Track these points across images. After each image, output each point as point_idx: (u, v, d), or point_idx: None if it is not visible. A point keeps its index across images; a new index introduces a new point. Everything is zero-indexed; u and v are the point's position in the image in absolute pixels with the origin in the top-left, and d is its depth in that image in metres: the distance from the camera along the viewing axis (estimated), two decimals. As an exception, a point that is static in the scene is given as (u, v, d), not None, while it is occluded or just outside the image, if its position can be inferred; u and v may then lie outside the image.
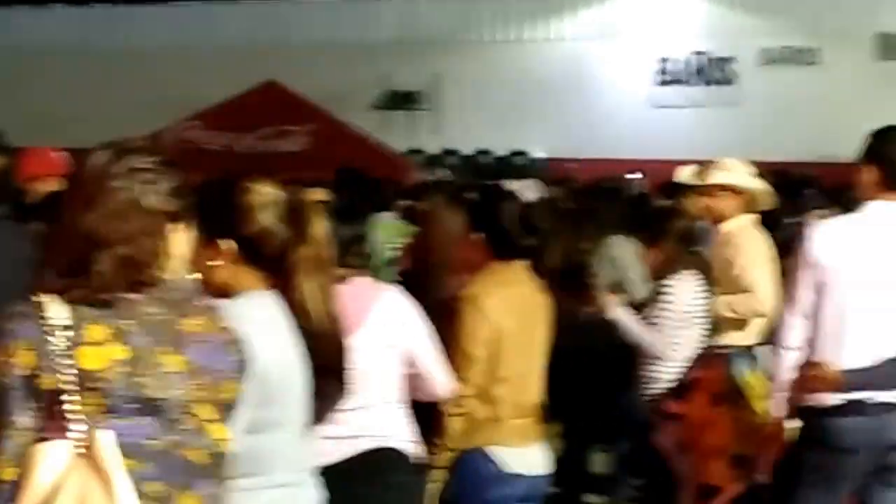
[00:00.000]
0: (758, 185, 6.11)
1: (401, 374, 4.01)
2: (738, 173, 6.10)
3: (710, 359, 5.55)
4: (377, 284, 4.09)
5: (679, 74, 20.21)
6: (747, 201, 6.06)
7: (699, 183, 6.13)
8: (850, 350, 4.26)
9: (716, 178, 6.04)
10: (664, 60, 20.27)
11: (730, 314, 5.74)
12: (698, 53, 20.12)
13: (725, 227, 6.00)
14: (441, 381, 4.13)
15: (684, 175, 6.32)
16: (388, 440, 3.88)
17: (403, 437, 4.00)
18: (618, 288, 6.56)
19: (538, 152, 19.97)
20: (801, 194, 9.86)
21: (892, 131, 4.46)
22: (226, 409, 2.39)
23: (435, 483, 4.25)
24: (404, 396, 4.06)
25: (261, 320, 2.60)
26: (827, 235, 4.40)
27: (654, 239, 5.89)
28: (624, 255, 6.84)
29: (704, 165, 6.21)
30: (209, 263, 2.66)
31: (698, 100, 19.97)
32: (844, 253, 4.32)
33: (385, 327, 3.87)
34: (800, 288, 4.39)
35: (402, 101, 20.75)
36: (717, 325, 5.74)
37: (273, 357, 2.58)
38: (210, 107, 14.66)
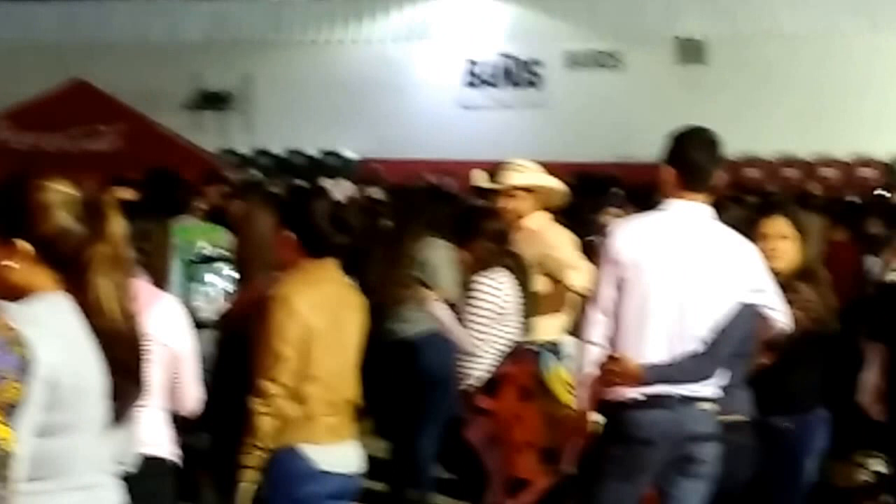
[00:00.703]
0: (551, 182, 6.24)
1: (162, 380, 4.09)
2: (531, 173, 6.23)
3: (520, 354, 5.64)
4: (155, 290, 4.16)
5: (487, 77, 20.48)
6: (542, 199, 6.19)
7: (495, 185, 6.23)
8: (651, 345, 4.40)
9: (511, 179, 6.15)
10: (472, 63, 20.51)
11: (545, 283, 5.85)
12: (506, 56, 20.42)
13: (526, 225, 6.10)
14: (192, 395, 4.29)
15: (480, 178, 6.40)
16: (142, 446, 3.87)
17: (156, 442, 4.06)
18: (426, 288, 6.62)
19: (350, 153, 20.00)
20: (603, 194, 10.12)
21: (690, 134, 4.61)
22: (8, 409, 2.34)
23: (247, 484, 4.23)
24: (164, 402, 4.16)
25: (51, 323, 2.56)
26: (628, 234, 4.54)
27: (467, 239, 5.96)
28: (436, 256, 6.89)
29: (498, 167, 6.31)
30: (2, 264, 2.60)
31: (506, 102, 20.27)
32: (644, 251, 4.44)
33: (156, 332, 3.85)
34: (601, 285, 4.51)
35: (212, 101, 20.51)
36: (530, 321, 5.85)
37: (63, 360, 2.53)
38: (18, 105, 14.29)
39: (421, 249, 7.01)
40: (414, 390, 6.89)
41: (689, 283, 4.39)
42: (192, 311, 5.33)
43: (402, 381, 6.90)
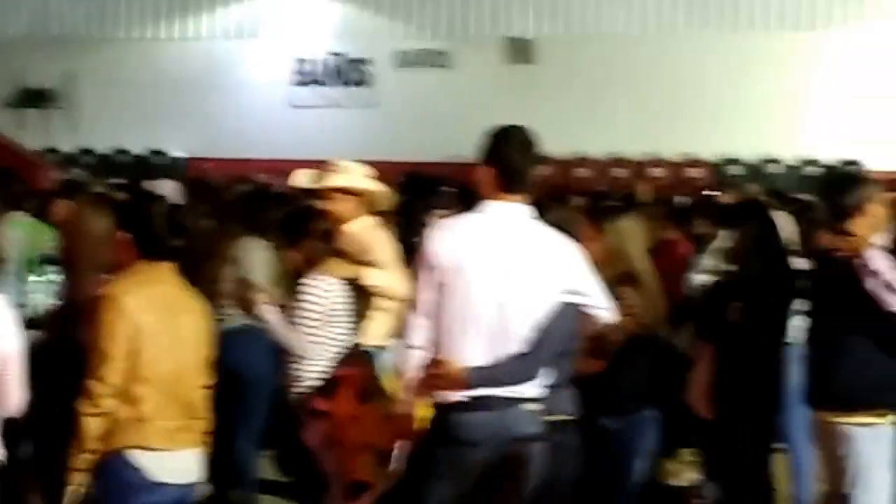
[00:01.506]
0: (374, 186, 6.22)
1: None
2: (354, 175, 6.19)
3: (355, 356, 5.62)
4: None
5: (316, 75, 20.39)
6: (366, 203, 6.15)
7: (316, 186, 6.19)
8: (474, 348, 4.36)
9: (332, 180, 6.11)
10: (301, 61, 20.39)
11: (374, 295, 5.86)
12: (335, 54, 20.36)
13: (347, 228, 6.05)
14: (17, 396, 4.21)
15: (300, 179, 6.34)
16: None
17: None
18: (249, 289, 6.54)
19: (177, 151, 19.71)
20: (432, 194, 10.12)
21: (506, 133, 4.56)
22: None
23: (74, 487, 4.18)
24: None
25: None
26: (444, 237, 4.49)
27: (296, 240, 5.91)
28: (255, 257, 6.81)
29: (322, 168, 6.27)
30: None
31: (336, 100, 20.20)
32: (461, 253, 4.39)
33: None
34: (422, 288, 4.47)
35: (35, 98, 20.03)
36: (361, 323, 5.84)
37: None
38: None
39: (239, 249, 6.91)
40: (224, 388, 6.80)
41: (507, 284, 4.37)
42: (24, 311, 5.21)
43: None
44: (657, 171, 19.01)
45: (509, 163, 4.46)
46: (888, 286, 4.97)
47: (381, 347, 5.83)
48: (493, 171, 4.48)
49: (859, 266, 5.30)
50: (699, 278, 7.00)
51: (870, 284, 5.23)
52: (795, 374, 6.40)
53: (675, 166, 19.10)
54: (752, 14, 19.41)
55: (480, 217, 4.51)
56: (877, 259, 5.21)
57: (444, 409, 4.40)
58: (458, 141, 17.22)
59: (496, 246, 4.41)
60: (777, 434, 6.54)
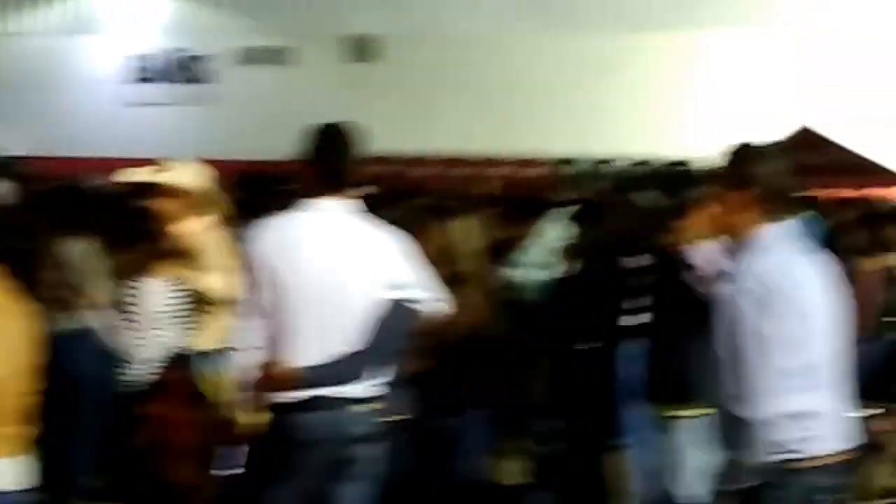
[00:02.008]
0: (207, 185, 6.10)
1: None
2: (185, 174, 6.06)
3: (180, 360, 5.50)
4: None
5: (156, 72, 20.08)
6: (197, 203, 6.03)
7: (145, 184, 6.04)
8: (305, 347, 4.35)
9: (161, 179, 5.97)
10: (141, 57, 20.05)
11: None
12: (176, 51, 20.06)
13: (177, 229, 5.92)
14: None
15: (129, 177, 6.19)
16: None
17: None
18: (74, 291, 6.40)
19: (10, 149, 19.17)
20: (272, 193, 9.99)
21: (328, 131, 4.62)
22: None
23: None
24: None
25: None
26: (266, 235, 4.47)
27: (124, 240, 5.76)
28: (80, 257, 6.63)
29: (153, 167, 6.13)
30: None
31: (176, 98, 19.93)
32: (284, 252, 4.39)
33: None
34: (249, 289, 4.44)
35: None
36: (191, 326, 5.72)
37: None
38: None
39: (66, 251, 6.72)
40: (54, 393, 6.62)
41: (334, 282, 4.37)
42: None
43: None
44: (498, 171, 19.18)
45: (330, 161, 4.51)
46: (706, 280, 5.06)
47: (211, 351, 5.72)
48: (315, 169, 4.51)
49: (681, 260, 5.42)
50: (519, 273, 7.03)
51: (688, 278, 5.35)
52: (636, 371, 6.51)
53: (514, 166, 19.29)
54: (589, 16, 19.71)
55: (302, 215, 4.51)
56: (697, 253, 5.31)
57: (279, 411, 4.37)
58: (300, 139, 17.33)
59: (319, 243, 4.42)
60: (617, 431, 6.61)
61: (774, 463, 3.66)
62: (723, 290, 3.80)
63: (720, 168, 4.02)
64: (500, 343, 5.88)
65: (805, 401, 3.66)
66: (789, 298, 3.61)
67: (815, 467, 3.68)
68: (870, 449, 6.48)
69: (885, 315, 8.66)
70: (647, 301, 6.60)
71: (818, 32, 25.01)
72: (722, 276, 3.96)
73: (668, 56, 19.67)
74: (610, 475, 6.56)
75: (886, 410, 6.61)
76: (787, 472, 3.66)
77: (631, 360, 6.55)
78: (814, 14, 23.77)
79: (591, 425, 6.32)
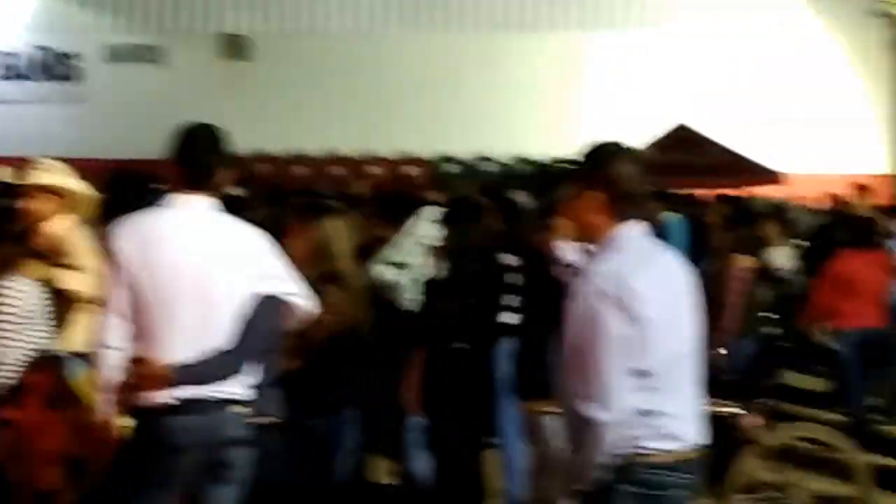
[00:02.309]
0: (76, 185, 5.98)
1: None
2: (55, 173, 5.94)
3: (44, 362, 5.35)
4: None
5: (20, 69, 19.66)
6: (67, 202, 5.90)
7: (14, 184, 5.92)
8: (175, 345, 4.28)
9: (31, 178, 5.85)
10: (5, 55, 19.61)
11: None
12: (41, 48, 19.65)
13: (45, 228, 5.79)
14: None
15: None
16: None
17: None
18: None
19: None
20: (142, 192, 9.82)
21: (193, 131, 4.62)
22: None
23: None
24: None
25: None
26: (128, 233, 4.41)
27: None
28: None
29: (22, 166, 6.00)
30: None
31: (41, 96, 19.51)
32: (147, 249, 4.34)
33: None
34: (113, 287, 4.37)
35: None
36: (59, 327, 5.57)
37: None
38: None
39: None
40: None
41: (198, 278, 4.33)
42: None
43: None
44: (374, 169, 19.18)
45: (194, 160, 4.51)
46: (572, 274, 5.10)
47: (79, 352, 5.57)
48: (180, 167, 4.52)
49: (550, 257, 5.47)
50: (391, 273, 6.98)
51: (556, 272, 5.40)
52: (511, 369, 6.51)
53: (392, 164, 19.30)
54: (464, 15, 19.80)
55: (165, 212, 4.49)
56: (565, 250, 5.34)
57: (149, 413, 4.28)
58: (170, 138, 17.09)
59: (182, 240, 4.39)
60: (490, 429, 6.61)
61: (621, 461, 3.67)
62: (575, 288, 3.80)
63: (577, 168, 4.03)
64: (372, 342, 5.85)
65: (651, 399, 3.67)
66: (634, 300, 3.61)
67: (662, 465, 3.70)
68: (740, 444, 6.59)
69: (758, 312, 8.83)
70: (519, 299, 6.62)
71: (699, 34, 25.53)
72: (577, 274, 3.96)
73: (552, 56, 19.84)
74: (485, 473, 6.56)
75: (756, 406, 6.71)
76: (634, 470, 3.68)
77: (506, 358, 6.56)
78: (696, 16, 24.20)
79: (466, 424, 6.30)
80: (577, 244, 4.38)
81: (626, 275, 3.67)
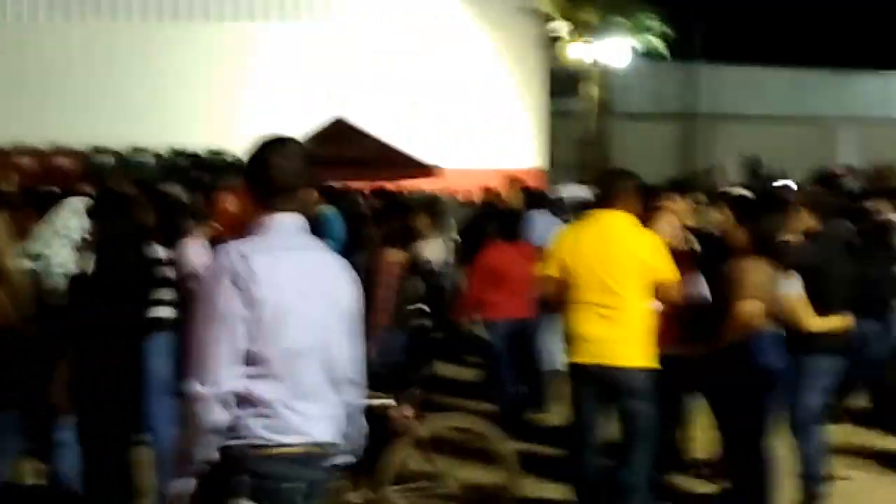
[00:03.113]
0: None
1: None
2: None
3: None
4: None
5: None
6: None
7: None
8: None
9: None
10: None
11: None
12: None
13: None
14: None
15: None
16: None
17: None
18: None
19: None
20: None
21: None
22: None
23: None
24: None
25: None
26: None
27: None
28: None
29: None
30: None
31: None
32: None
33: None
34: None
35: None
36: None
37: None
38: None
39: None
40: None
41: None
42: None
43: None
44: (25, 161, 18.53)
45: None
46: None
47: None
48: None
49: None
50: (38, 266, 6.72)
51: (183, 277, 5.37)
52: (164, 363, 6.42)
53: (44, 155, 18.69)
54: (116, 4, 19.32)
55: None
56: (191, 249, 5.31)
57: None
58: None
59: None
60: (139, 426, 6.47)
61: (237, 451, 3.65)
62: (204, 276, 3.75)
63: (238, 160, 3.99)
64: (25, 341, 5.61)
65: (268, 389, 3.67)
66: (253, 281, 3.61)
67: (278, 458, 3.70)
68: (392, 435, 6.69)
69: (409, 304, 8.97)
70: (172, 292, 6.50)
71: (356, 29, 25.85)
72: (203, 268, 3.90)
73: (212, 46, 19.61)
74: (136, 469, 6.41)
75: (407, 397, 6.81)
76: (249, 461, 3.66)
77: (162, 353, 6.44)
78: (357, 12, 24.44)
79: (115, 421, 6.12)
80: (199, 240, 4.30)
81: (249, 256, 3.66)
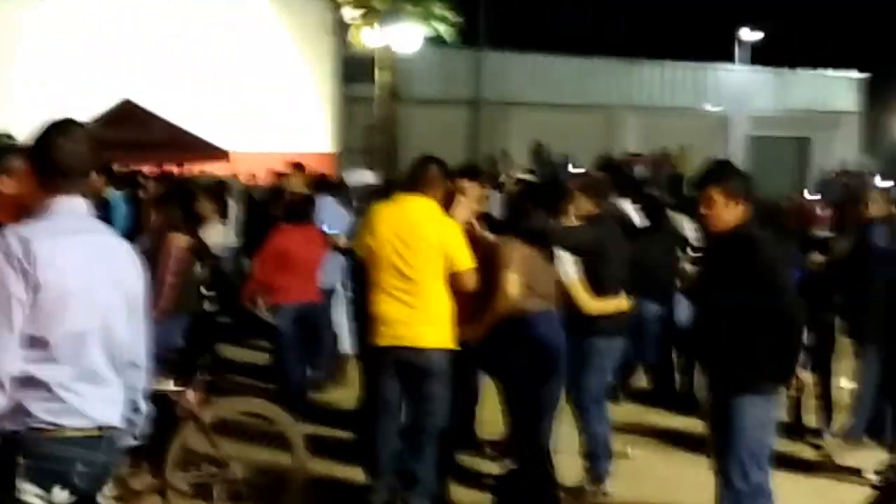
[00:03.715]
0: None
1: None
2: None
3: None
4: None
5: None
6: None
7: None
8: None
9: None
10: None
11: None
12: None
13: None
14: None
15: None
16: None
17: None
18: None
19: None
20: None
21: None
22: None
23: None
24: None
25: None
26: None
27: None
28: None
29: None
30: None
31: None
32: None
33: None
34: None
35: None
36: None
37: None
38: None
39: None
40: None
41: None
42: None
43: None
44: None
45: None
46: None
47: None
48: None
49: None
50: None
51: None
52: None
53: None
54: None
55: None
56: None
57: None
58: None
59: None
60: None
61: (17, 433, 3.63)
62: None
63: (24, 144, 3.92)
64: None
65: (50, 372, 3.65)
66: (34, 264, 3.59)
67: (59, 440, 3.68)
68: (179, 420, 6.63)
69: (195, 288, 8.89)
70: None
71: (148, 9, 25.35)
72: None
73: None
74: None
75: (194, 382, 6.75)
76: (29, 443, 3.63)
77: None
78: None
79: None
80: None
81: (31, 239, 3.64)
